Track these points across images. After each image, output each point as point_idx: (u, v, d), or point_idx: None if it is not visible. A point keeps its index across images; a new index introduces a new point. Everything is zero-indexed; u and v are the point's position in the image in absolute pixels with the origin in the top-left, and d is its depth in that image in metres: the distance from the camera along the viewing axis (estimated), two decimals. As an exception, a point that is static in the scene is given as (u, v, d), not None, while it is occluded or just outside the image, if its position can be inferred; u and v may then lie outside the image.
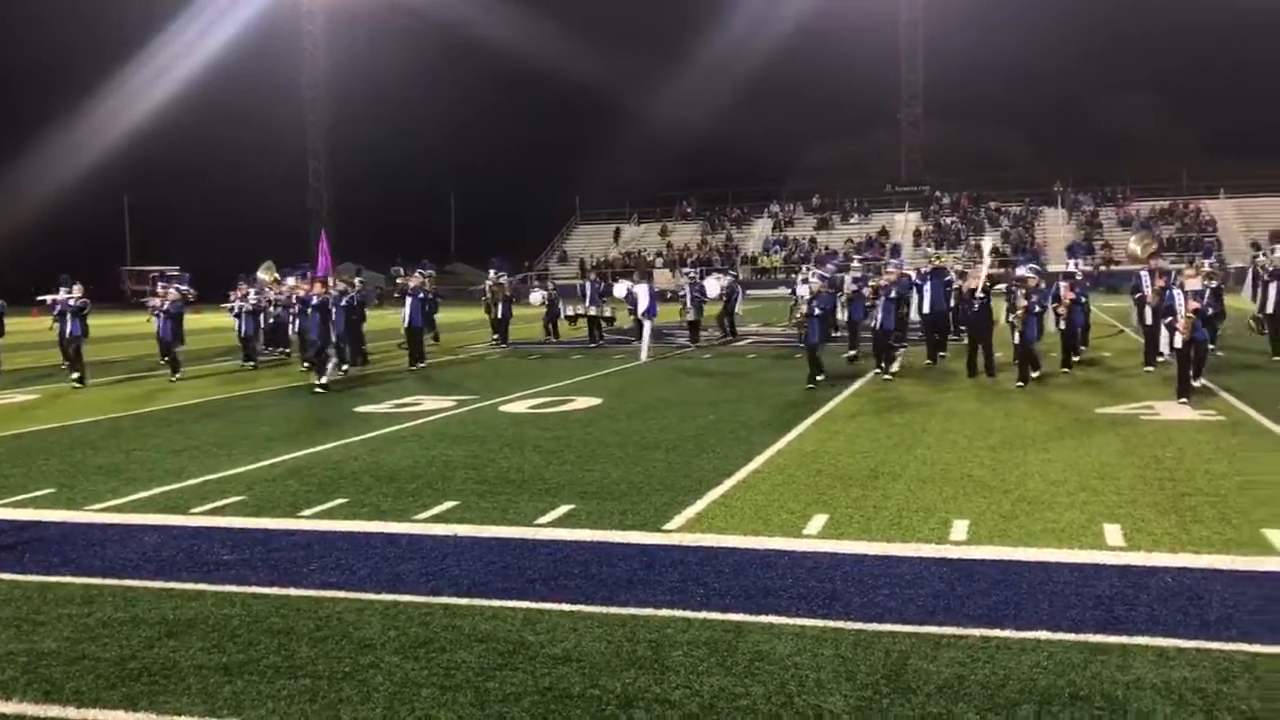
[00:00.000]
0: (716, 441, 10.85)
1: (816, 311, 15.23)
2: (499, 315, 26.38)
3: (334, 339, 17.37)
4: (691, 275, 28.02)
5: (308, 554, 6.92)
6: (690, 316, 24.55)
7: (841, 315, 19.55)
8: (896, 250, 22.51)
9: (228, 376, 19.52)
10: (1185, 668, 4.68)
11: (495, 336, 26.30)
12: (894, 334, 16.53)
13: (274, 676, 4.87)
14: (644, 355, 20.89)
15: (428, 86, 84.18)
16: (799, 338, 15.66)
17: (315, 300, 16.56)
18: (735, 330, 25.86)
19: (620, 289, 25.54)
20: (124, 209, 79.64)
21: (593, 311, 25.92)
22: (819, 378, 15.13)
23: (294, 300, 20.82)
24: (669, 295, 26.89)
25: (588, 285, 27.12)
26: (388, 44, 77.80)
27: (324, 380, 16.39)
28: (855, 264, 20.00)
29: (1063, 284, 16.69)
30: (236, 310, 21.57)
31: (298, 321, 20.80)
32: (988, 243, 20.70)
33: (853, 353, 18.51)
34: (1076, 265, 18.91)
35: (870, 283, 17.54)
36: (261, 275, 17.98)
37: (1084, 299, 17.57)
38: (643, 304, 21.65)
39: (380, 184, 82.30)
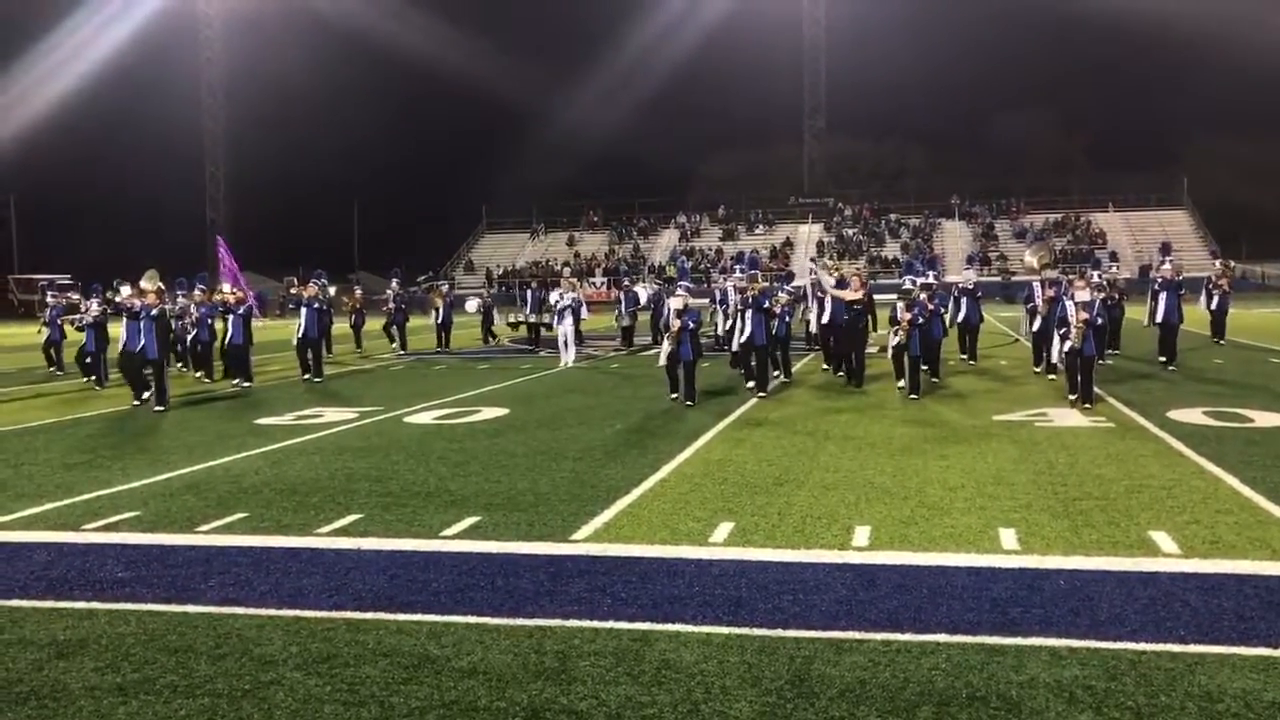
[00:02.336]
0: (624, 450, 10.88)
1: (690, 325, 14.45)
2: (440, 320, 27.50)
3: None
4: (625, 283, 29.01)
5: (206, 570, 6.76)
6: (624, 322, 25.95)
7: (724, 328, 18.96)
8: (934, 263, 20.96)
9: (118, 391, 18.96)
10: (1076, 666, 4.83)
11: (395, 346, 26.44)
12: (764, 348, 15.53)
13: (171, 696, 4.75)
14: (569, 360, 21.64)
15: (330, 93, 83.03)
16: (669, 354, 14.57)
17: (154, 311, 15.72)
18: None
19: (555, 297, 25.86)
20: (10, 214, 76.76)
21: (533, 319, 26.78)
22: (689, 403, 14.26)
23: (189, 312, 20.25)
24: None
25: (529, 294, 28.05)
26: (289, 50, 76.30)
27: (144, 396, 15.74)
28: (737, 273, 19.55)
29: (899, 304, 15.22)
30: (79, 324, 20.01)
31: (197, 331, 20.25)
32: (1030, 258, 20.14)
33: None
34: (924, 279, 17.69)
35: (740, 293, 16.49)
36: (144, 284, 17.34)
37: (922, 318, 15.74)
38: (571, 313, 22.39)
39: (282, 193, 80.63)
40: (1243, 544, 6.82)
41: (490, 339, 28.76)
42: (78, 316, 20.20)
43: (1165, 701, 4.44)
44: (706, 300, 24.63)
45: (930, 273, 18.45)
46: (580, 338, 27.45)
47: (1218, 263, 22.89)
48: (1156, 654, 4.96)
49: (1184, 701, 4.44)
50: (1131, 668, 4.81)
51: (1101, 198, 68.05)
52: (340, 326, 26.11)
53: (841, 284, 18.16)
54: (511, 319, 28.72)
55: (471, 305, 30.02)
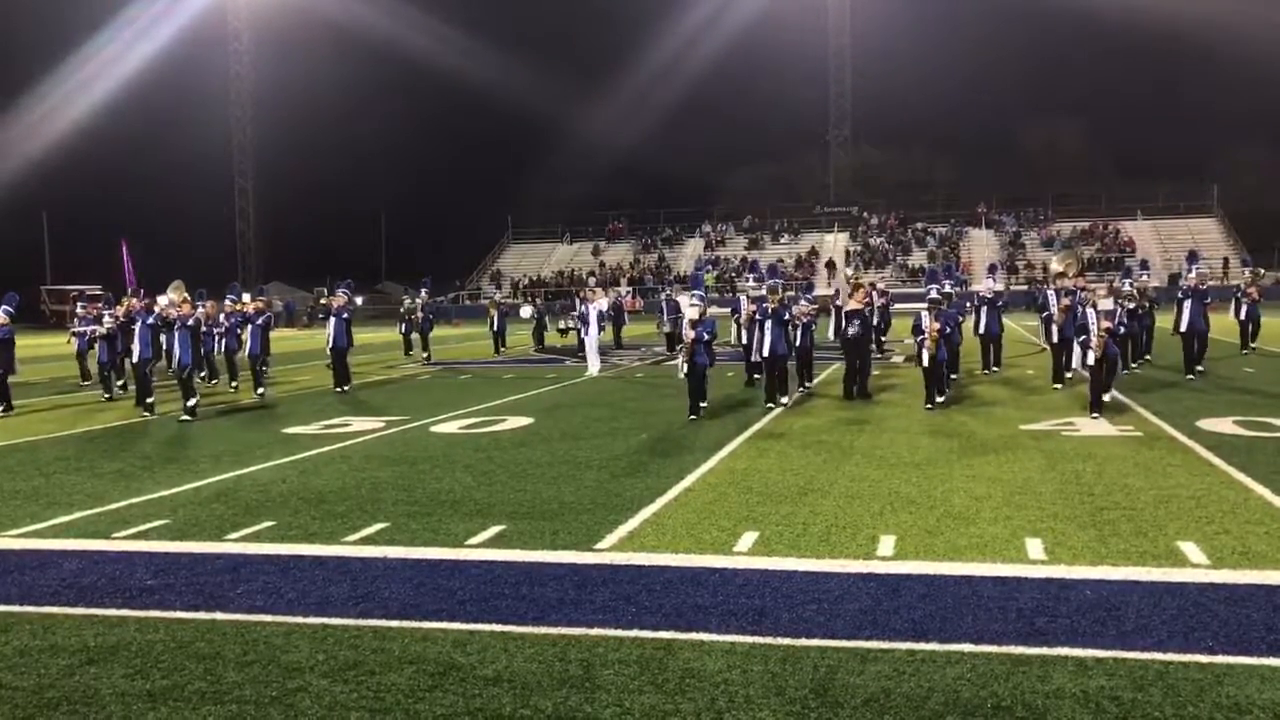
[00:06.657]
0: (648, 460, 10.89)
1: (705, 337, 14.06)
2: (496, 328, 29.95)
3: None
4: (666, 291, 29.92)
5: (234, 578, 6.82)
6: (667, 329, 26.88)
7: (741, 339, 18.46)
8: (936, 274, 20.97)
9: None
10: (1102, 677, 4.81)
11: (425, 355, 26.74)
12: (785, 359, 15.37)
13: (199, 703, 4.80)
14: (595, 369, 22.11)
15: (357, 106, 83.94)
16: (683, 365, 14.19)
17: (190, 321, 15.83)
18: None
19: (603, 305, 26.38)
20: (43, 226, 77.67)
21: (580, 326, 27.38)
22: (702, 404, 14.15)
23: (217, 322, 20.41)
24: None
25: (576, 302, 29.05)
26: (316, 64, 77.25)
27: (190, 404, 15.69)
28: (751, 283, 19.17)
29: (925, 314, 14.63)
30: (89, 336, 19.86)
31: (224, 342, 20.41)
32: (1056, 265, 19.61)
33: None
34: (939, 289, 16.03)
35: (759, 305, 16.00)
36: (170, 295, 17.40)
37: (949, 327, 15.40)
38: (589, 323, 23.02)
39: (310, 204, 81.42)
40: (1273, 554, 6.76)
41: (540, 346, 29.91)
42: (91, 329, 20.00)
43: (1193, 712, 4.41)
44: (729, 310, 24.65)
45: (948, 281, 18.41)
46: (620, 344, 28.28)
47: (1248, 271, 22.66)
48: (1184, 665, 4.93)
49: (1211, 713, 4.41)
50: (1159, 678, 4.78)
51: (1130, 205, 67.60)
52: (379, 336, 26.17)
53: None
54: (560, 325, 30.11)
55: (525, 311, 32.18)
